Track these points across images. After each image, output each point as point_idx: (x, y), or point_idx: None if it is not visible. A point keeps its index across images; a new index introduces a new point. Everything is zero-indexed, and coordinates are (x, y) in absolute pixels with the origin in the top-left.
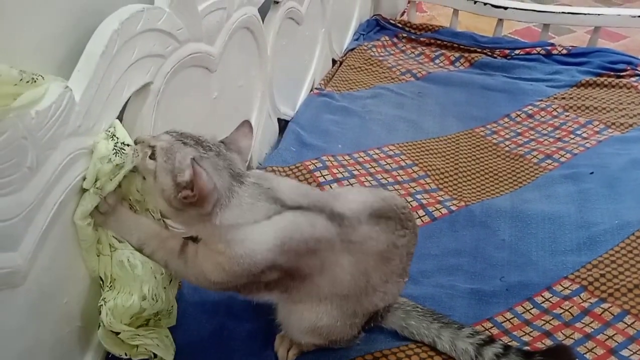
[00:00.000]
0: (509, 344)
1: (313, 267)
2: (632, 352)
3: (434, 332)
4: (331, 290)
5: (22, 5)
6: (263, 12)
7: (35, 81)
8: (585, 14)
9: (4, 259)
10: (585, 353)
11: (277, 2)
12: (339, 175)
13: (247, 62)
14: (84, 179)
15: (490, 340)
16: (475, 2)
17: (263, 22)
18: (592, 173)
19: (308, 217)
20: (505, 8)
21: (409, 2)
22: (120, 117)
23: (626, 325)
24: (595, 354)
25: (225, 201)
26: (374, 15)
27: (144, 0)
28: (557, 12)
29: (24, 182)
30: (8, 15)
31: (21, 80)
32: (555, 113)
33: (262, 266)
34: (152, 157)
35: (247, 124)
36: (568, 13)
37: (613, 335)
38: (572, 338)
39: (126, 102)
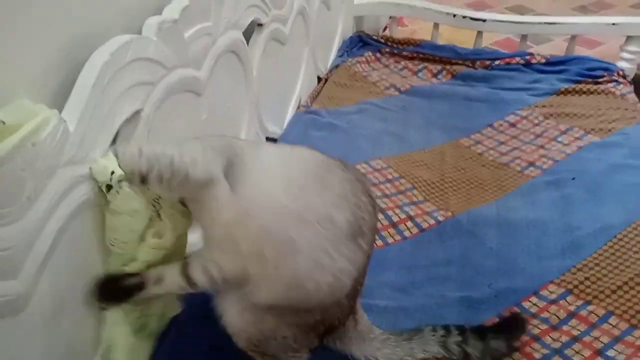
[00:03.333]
0: (462, 325)
1: None
2: (617, 352)
3: (406, 350)
4: None
5: (14, 39)
6: (247, 34)
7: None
8: (561, 24)
9: (4, 287)
10: (573, 355)
11: (261, 25)
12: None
13: (234, 84)
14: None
15: (447, 331)
16: (454, 16)
17: (248, 44)
18: (573, 179)
19: None
20: (484, 20)
21: (390, 18)
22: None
23: (611, 326)
24: (583, 355)
25: None
26: (356, 32)
27: (132, 29)
28: (534, 23)
29: (23, 212)
30: (1, 50)
31: None
32: (536, 121)
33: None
34: None
35: None
36: (545, 23)
37: (599, 337)
38: (559, 341)
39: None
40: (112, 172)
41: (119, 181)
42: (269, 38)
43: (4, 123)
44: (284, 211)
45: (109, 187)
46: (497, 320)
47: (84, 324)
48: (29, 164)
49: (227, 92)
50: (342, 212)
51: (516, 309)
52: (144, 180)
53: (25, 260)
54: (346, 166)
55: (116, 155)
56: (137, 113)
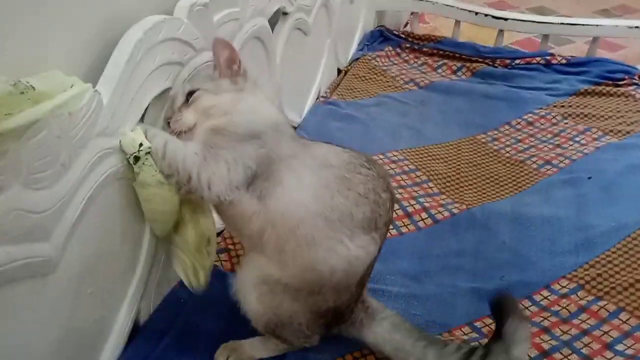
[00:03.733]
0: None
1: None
2: (626, 347)
3: (418, 350)
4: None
5: (53, 16)
6: (272, 23)
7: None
8: (583, 25)
9: (37, 249)
10: (582, 348)
11: (286, 14)
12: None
13: (258, 70)
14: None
15: (472, 350)
16: (476, 14)
17: (272, 32)
18: (590, 178)
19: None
20: (506, 19)
21: (411, 14)
22: (141, 121)
23: (621, 322)
24: (592, 348)
25: None
26: (377, 27)
27: (164, 11)
28: (556, 23)
29: (57, 178)
30: (41, 26)
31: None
32: (554, 121)
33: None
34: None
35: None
36: (567, 24)
37: (609, 331)
38: (569, 334)
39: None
40: (140, 145)
41: (147, 153)
42: (293, 27)
43: (34, 88)
44: (310, 216)
45: (137, 158)
46: None
47: (108, 290)
48: (65, 132)
49: None
50: (362, 209)
51: (527, 302)
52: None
53: (57, 224)
54: (370, 162)
55: (145, 132)
56: (165, 91)
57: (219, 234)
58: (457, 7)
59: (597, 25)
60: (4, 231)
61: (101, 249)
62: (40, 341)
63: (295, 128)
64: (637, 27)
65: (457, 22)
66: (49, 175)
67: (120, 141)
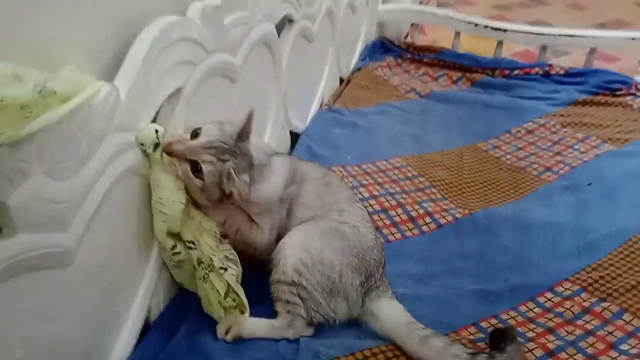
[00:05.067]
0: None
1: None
2: (631, 347)
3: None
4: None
5: (72, 15)
6: (278, 30)
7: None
8: (582, 36)
9: (56, 239)
10: (587, 348)
11: (292, 21)
12: (349, 185)
13: (264, 75)
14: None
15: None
16: (476, 25)
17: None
18: (590, 184)
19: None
20: (505, 30)
21: (411, 25)
22: (153, 120)
23: (625, 322)
24: (597, 348)
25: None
26: (379, 38)
27: (177, 12)
28: (554, 35)
29: (77, 169)
30: (60, 24)
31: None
32: (554, 129)
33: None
34: (197, 175)
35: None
36: (565, 35)
37: (613, 332)
38: (574, 334)
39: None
40: (157, 131)
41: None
42: (299, 34)
43: (55, 93)
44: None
45: (156, 145)
46: (512, 313)
47: (122, 286)
48: (85, 124)
49: (258, 82)
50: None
51: (531, 304)
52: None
53: (75, 216)
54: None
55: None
56: (178, 91)
57: None
58: (458, 19)
59: (594, 37)
60: (27, 218)
61: (115, 244)
62: (56, 332)
63: (298, 134)
64: (634, 38)
65: (457, 34)
66: (70, 166)
67: (136, 136)
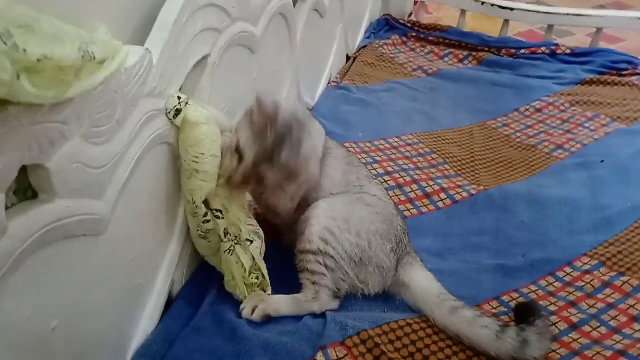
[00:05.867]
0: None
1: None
2: None
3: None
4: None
5: None
6: (293, 2)
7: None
8: (588, 16)
9: (93, 206)
10: (610, 321)
11: None
12: (362, 161)
13: (281, 48)
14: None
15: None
16: (482, 4)
17: None
18: (602, 161)
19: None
20: (512, 9)
21: (416, 3)
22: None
23: None
24: (619, 321)
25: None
26: (383, 15)
27: None
28: (561, 14)
29: (112, 134)
30: None
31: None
32: (562, 108)
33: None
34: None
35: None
36: (572, 15)
37: (634, 305)
38: (595, 307)
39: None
40: (179, 97)
41: (186, 104)
42: (312, 8)
43: (94, 58)
44: None
45: (178, 111)
46: (532, 287)
47: (148, 257)
48: (121, 87)
49: (275, 54)
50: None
51: (551, 278)
52: None
53: (110, 183)
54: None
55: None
56: (204, 59)
57: None
58: None
59: (601, 17)
60: (66, 183)
61: (144, 214)
62: (87, 300)
63: (310, 110)
64: (639, 18)
65: (463, 12)
66: (106, 130)
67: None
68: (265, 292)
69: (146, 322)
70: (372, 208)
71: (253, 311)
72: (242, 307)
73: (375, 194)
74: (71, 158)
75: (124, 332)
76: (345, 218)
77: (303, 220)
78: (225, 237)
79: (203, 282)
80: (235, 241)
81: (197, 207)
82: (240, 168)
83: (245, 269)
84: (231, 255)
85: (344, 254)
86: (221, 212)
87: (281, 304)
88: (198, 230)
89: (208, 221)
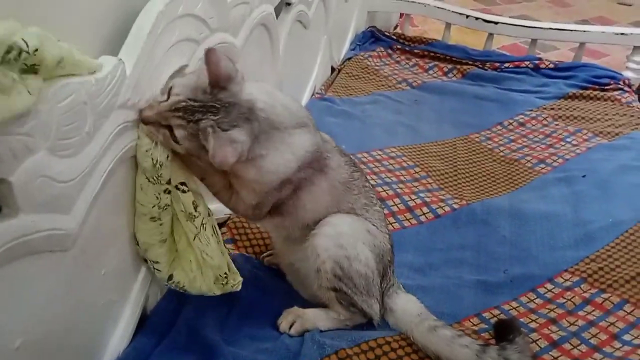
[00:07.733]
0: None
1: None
2: (633, 337)
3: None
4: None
5: None
6: (276, 13)
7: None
8: (571, 31)
9: (59, 220)
10: (590, 338)
11: (289, 4)
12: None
13: (263, 59)
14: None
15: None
16: (467, 17)
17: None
18: (584, 176)
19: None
20: (496, 23)
21: (401, 17)
22: None
23: (626, 313)
24: (600, 339)
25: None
26: (369, 27)
27: None
28: (545, 28)
29: (81, 147)
30: None
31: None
32: (545, 122)
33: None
34: (174, 139)
35: (210, 52)
36: (555, 29)
37: (615, 322)
38: (576, 325)
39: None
40: None
41: None
42: (295, 19)
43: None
44: None
45: None
46: (513, 303)
47: (120, 273)
48: (91, 98)
49: (257, 65)
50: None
51: (531, 295)
52: None
53: (78, 197)
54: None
55: None
56: (181, 69)
57: (222, 225)
58: (449, 10)
59: (584, 31)
60: (30, 197)
61: (116, 228)
62: (53, 316)
63: None
64: (622, 33)
65: (448, 25)
66: (75, 143)
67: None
68: (235, 282)
69: (118, 339)
70: (373, 238)
71: (290, 326)
72: (279, 321)
73: (376, 224)
74: (36, 171)
75: (94, 350)
76: (352, 244)
77: (311, 250)
78: (195, 210)
79: (178, 297)
80: (208, 212)
81: (160, 166)
82: (162, 104)
83: (220, 241)
84: (205, 229)
85: (355, 289)
86: (185, 184)
87: (318, 317)
88: (154, 207)
89: (169, 192)
